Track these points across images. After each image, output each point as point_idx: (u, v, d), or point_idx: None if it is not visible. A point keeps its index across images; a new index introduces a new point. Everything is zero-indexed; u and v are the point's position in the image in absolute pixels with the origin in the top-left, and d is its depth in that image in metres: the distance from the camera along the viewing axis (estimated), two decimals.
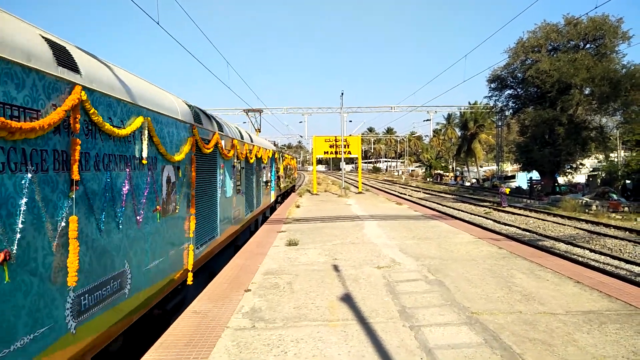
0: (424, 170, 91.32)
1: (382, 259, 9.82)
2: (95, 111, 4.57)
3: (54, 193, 3.95)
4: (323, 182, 48.95)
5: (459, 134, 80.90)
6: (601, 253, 15.17)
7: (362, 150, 42.47)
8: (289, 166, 36.52)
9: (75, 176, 4.20)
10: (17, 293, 3.45)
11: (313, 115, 56.71)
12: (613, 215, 24.81)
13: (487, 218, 24.90)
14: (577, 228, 20.75)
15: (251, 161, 15.21)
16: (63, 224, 4.05)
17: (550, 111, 34.19)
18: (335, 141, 32.46)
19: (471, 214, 26.91)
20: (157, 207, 6.43)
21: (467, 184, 62.53)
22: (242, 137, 13.75)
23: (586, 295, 6.99)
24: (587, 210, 26.46)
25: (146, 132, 5.89)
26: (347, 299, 6.94)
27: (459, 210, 28.70)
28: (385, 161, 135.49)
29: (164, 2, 11.65)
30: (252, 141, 15.93)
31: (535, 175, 42.03)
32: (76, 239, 4.13)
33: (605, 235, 18.55)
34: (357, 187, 36.28)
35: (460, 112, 69.91)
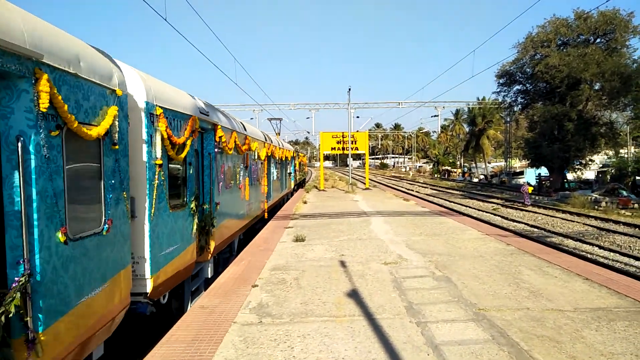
0: (431, 166, 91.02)
1: (389, 255, 9.81)
2: (253, 145, 13.69)
3: (243, 169, 12.41)
4: (330, 178, 48.89)
5: (467, 129, 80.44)
6: (610, 250, 15.04)
7: (369, 146, 42.31)
8: (301, 163, 45.71)
9: (247, 165, 12.80)
10: (238, 196, 11.81)
11: (320, 111, 56.53)
12: (623, 211, 24.57)
13: (495, 214, 24.76)
14: (586, 225, 20.58)
15: (282, 159, 23.47)
16: (245, 181, 12.60)
17: (559, 107, 33.85)
18: (343, 137, 32.41)
19: (479, 210, 26.78)
20: (259, 180, 15.27)
21: (475, 180, 62.24)
22: (279, 144, 22.45)
23: (595, 292, 6.94)
24: (596, 207, 26.24)
25: (256, 148, 14.30)
26: (354, 294, 6.95)
27: (466, 206, 28.58)
28: (393, 157, 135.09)
29: None
30: (282, 146, 24.41)
31: (543, 171, 41.68)
32: (248, 185, 12.97)
33: (615, 232, 18.38)
34: (364, 184, 36.21)
35: (469, 107, 69.42)
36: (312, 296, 6.93)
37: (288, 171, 27.56)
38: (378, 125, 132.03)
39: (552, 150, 34.79)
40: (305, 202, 22.62)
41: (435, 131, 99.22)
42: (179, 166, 7.26)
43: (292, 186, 30.76)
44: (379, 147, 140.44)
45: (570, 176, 40.89)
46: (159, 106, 6.21)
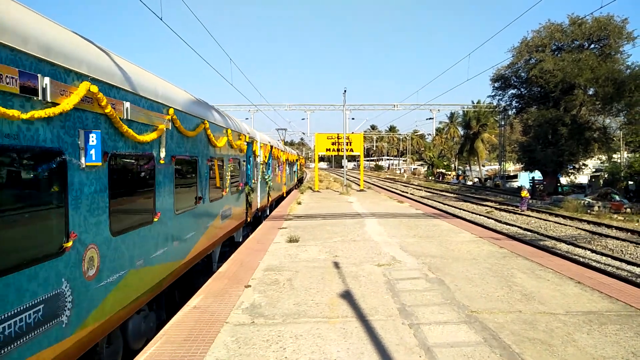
0: (426, 168, 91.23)
1: (382, 256, 9.81)
2: (280, 153, 25.61)
3: (277, 166, 24.27)
4: (325, 179, 48.92)
5: (462, 132, 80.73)
6: (602, 254, 15.13)
7: (364, 148, 42.42)
8: (301, 164, 57.18)
9: (279, 164, 24.85)
10: (276, 180, 23.79)
11: (315, 113, 56.81)
12: (615, 216, 24.74)
13: (488, 217, 24.86)
14: (579, 228, 20.71)
15: (290, 160, 32.46)
16: (277, 172, 24.19)
17: (553, 111, 34.03)
18: (338, 138, 32.44)
19: (473, 213, 26.87)
20: (282, 173, 26.67)
21: (469, 183, 62.43)
22: (288, 151, 32.30)
23: (587, 296, 6.98)
24: (589, 211, 26.39)
25: (282, 155, 26.09)
26: (347, 296, 6.94)
27: (460, 209, 28.66)
28: (388, 159, 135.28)
29: None
30: (291, 152, 34.69)
31: (537, 175, 41.86)
32: (279, 175, 25.08)
33: (607, 236, 18.51)
34: (359, 185, 36.27)
35: (464, 111, 69.67)
36: (305, 297, 6.91)
37: (294, 169, 39.10)
38: (373, 127, 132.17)
39: (545, 154, 34.96)
40: (299, 203, 22.62)
41: (430, 134, 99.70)
42: (264, 164, 17.84)
43: (295, 181, 42.17)
44: (374, 149, 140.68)
45: (563, 180, 41.09)
46: (261, 142, 17.25)
